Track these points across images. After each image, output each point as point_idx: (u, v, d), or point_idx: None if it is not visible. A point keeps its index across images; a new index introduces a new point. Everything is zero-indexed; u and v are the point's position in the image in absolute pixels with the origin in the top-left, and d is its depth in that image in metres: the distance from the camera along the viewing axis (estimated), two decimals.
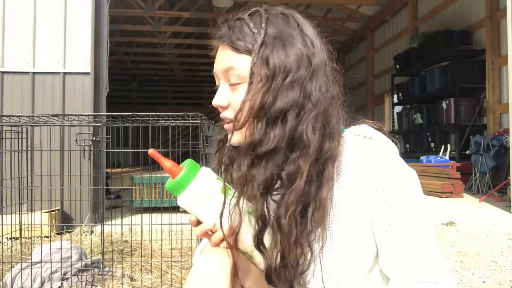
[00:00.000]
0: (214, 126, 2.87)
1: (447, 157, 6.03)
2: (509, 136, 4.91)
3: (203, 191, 0.75)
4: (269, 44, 0.73)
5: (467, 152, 5.86)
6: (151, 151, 0.78)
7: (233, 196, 0.75)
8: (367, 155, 0.76)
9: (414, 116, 7.60)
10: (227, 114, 0.79)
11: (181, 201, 0.76)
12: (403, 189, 0.73)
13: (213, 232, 0.76)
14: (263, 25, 0.74)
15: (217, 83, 0.82)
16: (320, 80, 0.75)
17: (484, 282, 2.36)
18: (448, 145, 6.29)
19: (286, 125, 0.72)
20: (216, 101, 0.79)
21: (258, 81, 0.73)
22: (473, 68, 6.27)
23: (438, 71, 6.74)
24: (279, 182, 0.75)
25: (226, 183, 0.77)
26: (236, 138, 0.77)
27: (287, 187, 0.73)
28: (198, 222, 0.78)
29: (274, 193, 0.75)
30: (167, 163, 0.77)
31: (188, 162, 0.78)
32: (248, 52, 0.74)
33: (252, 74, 0.73)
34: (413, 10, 8.35)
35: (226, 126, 0.81)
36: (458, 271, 2.53)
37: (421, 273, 0.72)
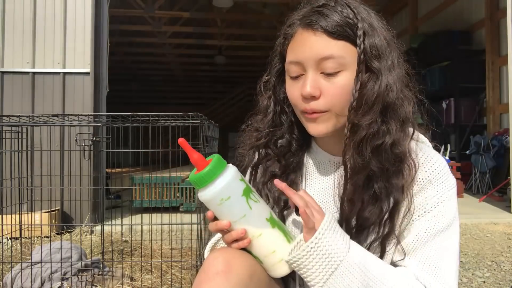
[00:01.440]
0: (214, 126, 2.87)
1: (447, 157, 6.03)
2: (509, 136, 4.91)
3: (225, 190, 0.74)
4: (369, 31, 0.74)
5: (467, 152, 5.86)
6: (181, 140, 0.75)
7: (254, 200, 0.75)
8: (434, 157, 0.80)
9: (414, 116, 7.59)
10: (317, 105, 0.75)
11: (201, 196, 0.75)
12: (451, 189, 0.80)
13: (228, 231, 0.76)
14: (355, 12, 0.74)
15: (294, 73, 0.78)
16: (400, 66, 0.80)
17: (484, 282, 2.36)
18: (448, 145, 6.29)
19: (399, 116, 0.77)
20: (310, 90, 0.74)
21: (364, 70, 0.74)
22: (473, 68, 6.28)
23: (438, 71, 6.74)
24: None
25: (249, 185, 0.76)
26: (321, 128, 0.77)
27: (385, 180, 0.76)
28: (215, 218, 0.77)
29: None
30: (194, 154, 0.74)
31: (215, 158, 0.75)
32: (348, 38, 0.73)
33: (360, 61, 0.73)
34: (413, 10, 8.35)
35: (310, 116, 0.77)
36: (458, 271, 2.53)
37: (434, 273, 0.76)
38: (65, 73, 3.76)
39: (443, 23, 7.23)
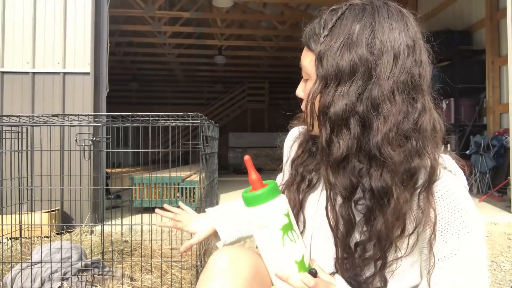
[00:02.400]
0: (214, 126, 2.87)
1: None
2: (509, 136, 4.91)
3: (266, 217, 0.74)
4: (326, 45, 0.72)
5: (467, 152, 5.86)
6: (246, 157, 0.77)
7: (290, 239, 0.74)
8: (458, 195, 0.73)
9: None
10: (303, 106, 0.83)
11: (246, 213, 0.76)
12: (475, 233, 0.72)
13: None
14: (330, 25, 0.73)
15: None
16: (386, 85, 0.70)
17: None
18: (448, 145, 6.29)
19: (350, 132, 0.71)
20: (297, 92, 0.84)
21: (317, 80, 0.75)
22: (473, 68, 6.27)
23: (438, 71, 6.74)
24: (361, 192, 0.73)
25: (293, 223, 0.76)
26: (309, 128, 0.80)
27: (375, 201, 0.71)
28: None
29: (360, 202, 0.74)
30: (253, 174, 0.76)
31: (271, 184, 0.77)
32: (313, 51, 0.76)
33: (318, 73, 0.74)
34: (413, 10, 8.35)
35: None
36: None
37: None
38: (65, 73, 3.76)
39: (443, 23, 7.22)
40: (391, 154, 0.68)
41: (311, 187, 0.85)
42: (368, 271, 0.74)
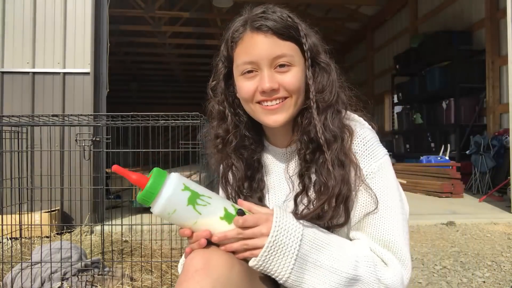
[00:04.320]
0: None
1: (447, 157, 6.03)
2: (509, 136, 4.91)
3: (168, 205, 0.75)
4: (308, 32, 0.87)
5: (467, 152, 5.86)
6: (114, 167, 0.77)
7: (203, 205, 0.76)
8: (359, 131, 0.89)
9: (414, 116, 7.59)
10: (278, 94, 0.85)
11: (153, 211, 0.76)
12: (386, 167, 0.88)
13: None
14: (291, 17, 0.86)
15: (248, 71, 0.85)
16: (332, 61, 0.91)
17: (484, 282, 2.36)
18: (448, 145, 6.29)
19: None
20: (270, 85, 0.83)
21: (311, 64, 0.87)
22: (473, 68, 6.28)
23: (438, 71, 6.75)
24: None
25: (196, 188, 0.79)
26: (281, 117, 0.86)
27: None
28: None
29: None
30: (133, 175, 0.76)
31: (154, 172, 0.76)
32: (293, 39, 0.84)
33: (308, 57, 0.86)
34: (413, 10, 8.35)
35: (272, 107, 0.85)
36: (458, 271, 2.53)
37: (373, 246, 0.83)
38: (65, 73, 3.76)
39: (443, 23, 7.23)
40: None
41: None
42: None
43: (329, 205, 0.82)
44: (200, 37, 10.56)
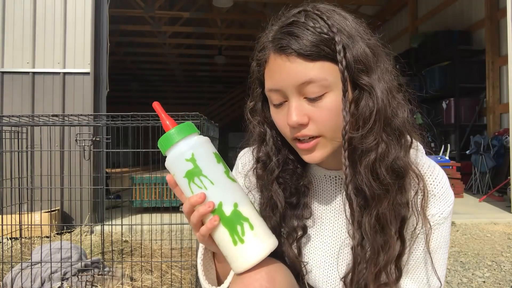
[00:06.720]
0: (214, 126, 2.87)
1: (447, 157, 6.03)
2: (509, 136, 4.91)
3: (170, 165, 0.68)
4: (349, 43, 0.66)
5: (467, 152, 5.86)
6: (155, 103, 0.70)
7: (196, 185, 0.67)
8: (436, 169, 0.77)
9: (414, 116, 7.58)
10: (309, 131, 0.69)
11: (166, 162, 0.69)
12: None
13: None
14: (329, 24, 0.66)
15: (276, 101, 0.71)
16: (389, 73, 0.73)
17: (484, 282, 2.36)
18: (448, 145, 6.29)
19: (395, 127, 0.70)
20: (297, 119, 0.67)
21: (351, 87, 0.68)
22: (473, 68, 6.27)
23: (438, 71, 6.74)
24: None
25: (201, 167, 0.67)
26: (318, 155, 0.71)
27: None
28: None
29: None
30: (167, 120, 0.69)
31: (184, 124, 0.69)
32: (326, 57, 0.66)
33: (345, 79, 0.65)
34: (413, 10, 8.35)
35: (306, 145, 0.71)
36: (458, 271, 2.53)
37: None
38: (65, 73, 3.76)
39: (443, 23, 7.22)
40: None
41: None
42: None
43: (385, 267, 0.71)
44: (200, 37, 10.55)
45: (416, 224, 0.72)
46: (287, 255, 0.80)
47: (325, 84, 0.66)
